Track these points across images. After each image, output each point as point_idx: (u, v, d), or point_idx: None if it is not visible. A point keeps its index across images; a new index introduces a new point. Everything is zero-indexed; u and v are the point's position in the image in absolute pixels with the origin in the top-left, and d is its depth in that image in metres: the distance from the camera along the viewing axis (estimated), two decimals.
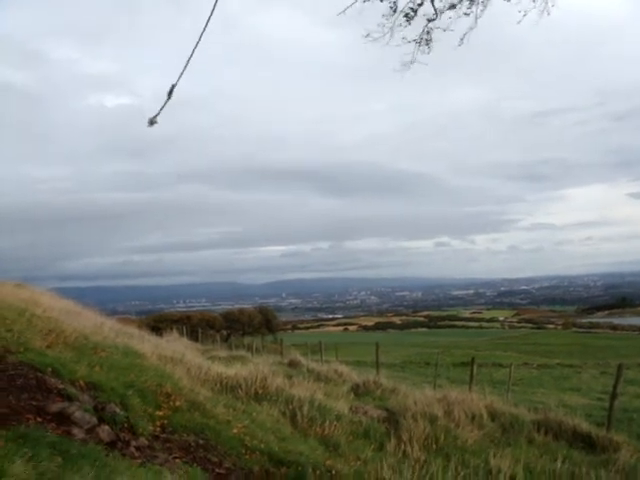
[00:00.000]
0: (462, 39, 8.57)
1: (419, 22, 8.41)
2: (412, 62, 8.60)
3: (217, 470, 7.26)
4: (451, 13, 8.26)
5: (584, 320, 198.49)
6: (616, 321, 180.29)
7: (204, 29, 6.50)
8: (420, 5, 8.18)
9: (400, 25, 8.23)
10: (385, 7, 8.14)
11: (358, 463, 9.92)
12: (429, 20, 8.40)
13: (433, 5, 8.28)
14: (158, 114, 6.71)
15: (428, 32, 8.49)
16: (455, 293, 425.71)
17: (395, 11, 8.13)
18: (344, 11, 7.85)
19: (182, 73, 6.75)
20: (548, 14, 8.11)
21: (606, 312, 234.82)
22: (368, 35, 8.21)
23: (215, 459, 7.62)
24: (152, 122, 6.77)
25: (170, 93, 6.72)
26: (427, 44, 8.57)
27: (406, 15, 8.16)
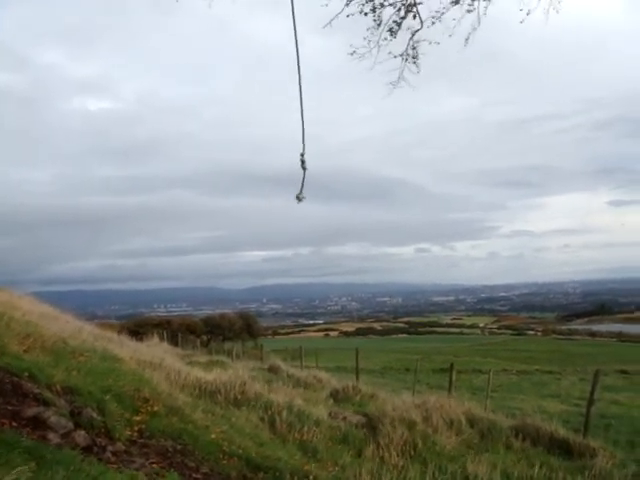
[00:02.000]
0: (467, 39, 8.26)
1: (406, 35, 8.28)
2: (399, 79, 8.47)
3: (194, 475, 7.23)
4: (453, 13, 8.07)
5: (563, 327, 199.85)
6: (595, 328, 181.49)
7: (300, 90, 6.70)
8: (403, 18, 8.07)
9: (385, 39, 8.11)
10: (369, 20, 8.03)
11: (336, 469, 9.92)
12: (413, 33, 8.27)
13: (418, 14, 8.14)
14: (301, 190, 6.84)
15: (414, 47, 8.36)
16: (436, 299, 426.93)
17: (380, 25, 8.02)
18: (329, 23, 7.73)
19: (304, 140, 6.91)
20: (557, 12, 7.82)
21: (585, 319, 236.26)
22: (354, 52, 8.05)
23: (192, 464, 7.60)
24: (300, 198, 6.89)
25: (303, 163, 6.90)
26: (414, 60, 8.44)
27: (390, 30, 8.05)
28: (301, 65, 6.76)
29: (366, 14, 7.94)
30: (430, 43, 8.31)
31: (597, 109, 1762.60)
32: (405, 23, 8.16)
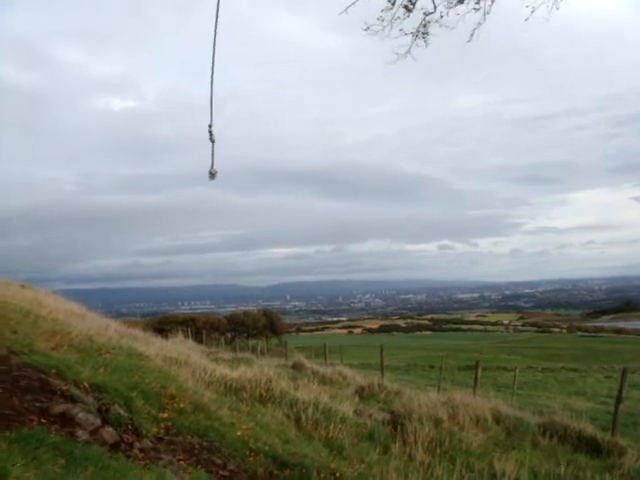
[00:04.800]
0: (472, 35, 8.50)
1: (418, 16, 8.39)
2: (407, 54, 8.56)
3: (221, 472, 7.25)
4: (460, 8, 8.21)
5: (589, 324, 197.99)
6: (621, 325, 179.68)
7: (214, 44, 6.48)
8: None
9: (399, 18, 8.21)
10: (384, 2, 8.12)
11: (363, 466, 9.89)
12: (425, 14, 8.37)
13: None
14: (212, 165, 6.69)
15: (425, 25, 8.46)
16: (460, 296, 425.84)
17: (394, 4, 8.11)
18: (345, 10, 7.82)
19: (211, 113, 6.75)
20: (557, 9, 8.03)
21: (611, 316, 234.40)
22: (368, 28, 8.17)
23: (219, 461, 7.61)
24: (212, 174, 6.74)
25: (211, 135, 6.73)
26: (424, 37, 8.53)
27: (405, 7, 8.14)
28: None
29: None
30: (441, 26, 8.42)
31: (618, 105, 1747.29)
32: (419, 4, 8.27)
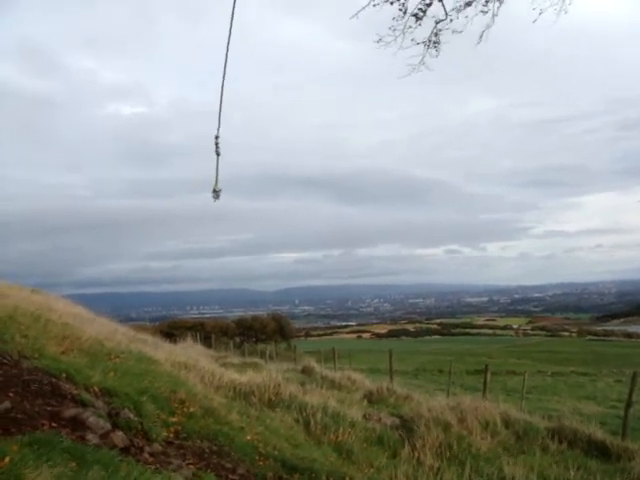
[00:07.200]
0: (480, 37, 8.50)
1: (429, 23, 8.39)
2: (421, 64, 8.57)
3: (231, 477, 7.25)
4: (468, 11, 8.21)
5: (599, 328, 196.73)
6: (631, 329, 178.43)
7: (227, 51, 6.31)
8: (429, 5, 8.15)
9: (410, 27, 8.21)
10: (395, 10, 8.12)
11: (372, 470, 9.91)
12: (437, 22, 8.37)
13: (443, 5, 8.25)
14: (217, 182, 6.14)
15: (436, 34, 8.46)
16: (469, 300, 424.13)
17: (405, 13, 8.10)
18: (356, 14, 7.82)
19: (219, 124, 6.24)
20: (565, 12, 8.04)
21: (621, 320, 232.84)
22: (380, 40, 8.17)
23: (229, 465, 7.61)
24: (217, 193, 6.18)
25: (217, 148, 6.17)
26: (435, 46, 8.54)
27: (415, 15, 8.13)
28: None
29: (392, 3, 8.03)
30: (453, 32, 8.42)
31: (626, 108, 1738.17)
32: (429, 11, 8.26)
